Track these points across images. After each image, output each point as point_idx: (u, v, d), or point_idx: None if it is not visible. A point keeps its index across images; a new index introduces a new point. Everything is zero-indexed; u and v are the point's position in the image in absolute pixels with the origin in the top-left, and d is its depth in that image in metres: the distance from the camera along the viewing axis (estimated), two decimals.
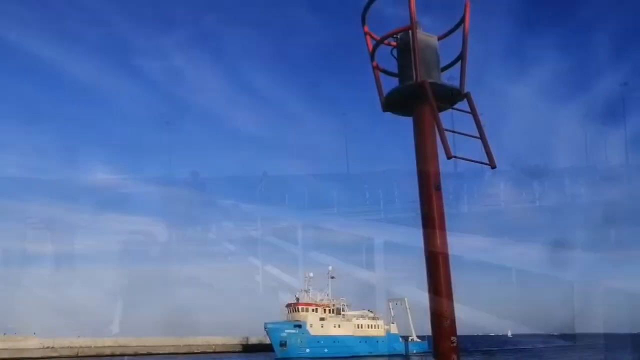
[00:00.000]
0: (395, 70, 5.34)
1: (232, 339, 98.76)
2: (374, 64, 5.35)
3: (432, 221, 4.71)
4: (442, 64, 5.24)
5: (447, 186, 4.79)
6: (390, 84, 5.32)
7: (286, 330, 79.36)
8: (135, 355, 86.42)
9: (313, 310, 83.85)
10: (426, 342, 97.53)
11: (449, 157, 4.54)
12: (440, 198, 4.78)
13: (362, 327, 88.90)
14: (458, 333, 4.53)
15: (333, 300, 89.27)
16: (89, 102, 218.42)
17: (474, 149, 4.72)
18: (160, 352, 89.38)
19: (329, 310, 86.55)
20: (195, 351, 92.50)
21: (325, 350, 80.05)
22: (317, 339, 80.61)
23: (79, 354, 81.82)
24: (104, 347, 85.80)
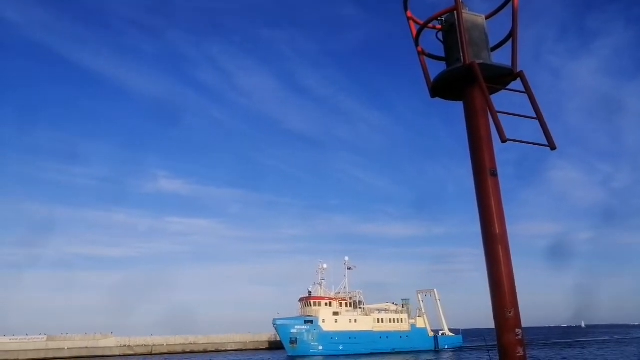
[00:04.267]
0: (442, 55, 5.14)
1: (261, 336, 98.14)
2: (419, 49, 5.17)
3: (489, 209, 4.51)
4: (492, 43, 4.99)
5: (503, 171, 4.57)
6: (437, 69, 5.12)
7: (296, 327, 74.40)
8: (205, 352, 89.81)
9: (326, 304, 77.75)
10: (461, 336, 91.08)
11: (503, 140, 4.32)
12: (496, 184, 4.56)
13: (382, 322, 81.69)
14: (527, 325, 4.31)
15: (350, 292, 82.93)
16: (149, 113, 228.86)
17: (531, 131, 4.47)
18: (228, 349, 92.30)
19: (346, 303, 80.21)
20: (261, 347, 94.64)
21: (340, 347, 74.66)
22: (331, 335, 75.19)
23: (153, 352, 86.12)
24: (175, 344, 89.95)
